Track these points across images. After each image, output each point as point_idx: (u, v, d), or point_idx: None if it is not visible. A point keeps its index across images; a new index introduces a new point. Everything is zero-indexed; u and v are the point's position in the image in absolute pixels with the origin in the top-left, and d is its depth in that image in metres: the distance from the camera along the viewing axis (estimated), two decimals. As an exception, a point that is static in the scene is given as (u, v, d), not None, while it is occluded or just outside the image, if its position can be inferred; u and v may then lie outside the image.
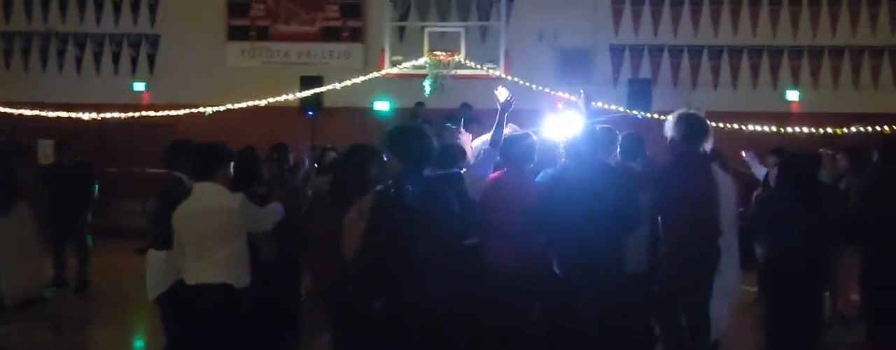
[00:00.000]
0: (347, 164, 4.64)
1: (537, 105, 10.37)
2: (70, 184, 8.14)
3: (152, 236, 4.91)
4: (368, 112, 13.47)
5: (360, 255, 3.83)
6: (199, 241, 4.26)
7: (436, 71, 11.04)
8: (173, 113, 12.72)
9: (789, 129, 12.27)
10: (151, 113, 12.87)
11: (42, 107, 12.59)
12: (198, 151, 4.55)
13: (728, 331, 6.07)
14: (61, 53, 14.97)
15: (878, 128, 11.67)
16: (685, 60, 14.33)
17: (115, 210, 13.85)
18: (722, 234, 5.05)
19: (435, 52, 11.11)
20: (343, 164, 5.04)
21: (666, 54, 14.35)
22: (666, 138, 5.10)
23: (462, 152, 5.16)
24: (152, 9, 14.87)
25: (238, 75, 14.27)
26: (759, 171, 7.57)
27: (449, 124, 6.29)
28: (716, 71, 14.31)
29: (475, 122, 7.20)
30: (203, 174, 4.37)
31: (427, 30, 12.10)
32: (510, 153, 4.82)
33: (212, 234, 4.23)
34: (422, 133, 3.97)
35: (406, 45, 13.42)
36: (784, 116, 13.70)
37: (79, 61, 14.95)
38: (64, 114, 12.40)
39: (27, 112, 12.31)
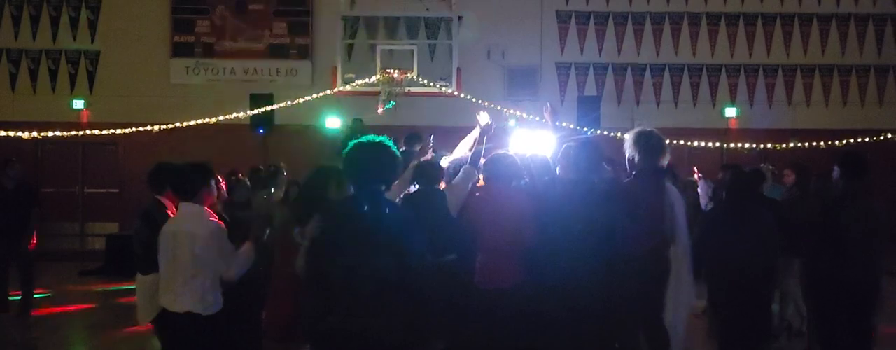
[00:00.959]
0: (308, 185, 4.59)
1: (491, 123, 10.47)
2: (12, 206, 7.83)
3: (139, 260, 4.75)
4: (319, 130, 13.41)
5: (306, 277, 3.75)
6: (171, 264, 4.17)
7: (389, 89, 11.08)
8: (118, 131, 12.41)
9: (730, 145, 12.69)
10: (96, 131, 12.49)
11: (-25, 125, 12.14)
12: (180, 171, 4.45)
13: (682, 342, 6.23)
14: (-5, 70, 14.49)
15: (813, 143, 12.15)
16: (629, 78, 14.70)
17: (53, 233, 13.40)
18: (670, 246, 5.16)
19: (387, 70, 11.14)
20: (304, 185, 5.01)
21: (610, 72, 14.70)
22: (624, 155, 5.23)
23: (440, 170, 5.19)
24: (92, 24, 14.52)
25: (183, 92, 14.05)
26: (705, 190, 7.77)
27: (410, 143, 6.32)
28: (658, 88, 14.72)
29: (418, 141, 7.17)
30: (186, 194, 4.29)
31: (379, 48, 12.12)
32: (494, 170, 4.85)
33: (184, 258, 4.13)
34: (379, 148, 3.59)
35: (355, 63, 13.44)
36: (723, 132, 14.20)
37: (13, 78, 14.48)
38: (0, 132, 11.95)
39: (-41, 131, 11.84)
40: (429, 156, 5.83)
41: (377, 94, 11.29)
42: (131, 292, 8.94)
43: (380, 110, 11.20)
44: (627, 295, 4.86)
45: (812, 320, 5.92)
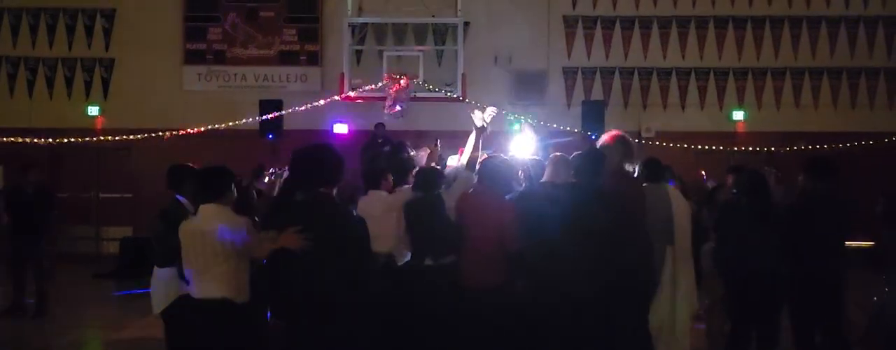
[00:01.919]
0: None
1: (494, 127, 10.58)
2: (31, 210, 8.08)
3: (156, 254, 5.05)
4: (328, 135, 13.58)
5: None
6: (201, 258, 4.35)
7: (396, 94, 11.23)
8: (131, 137, 12.65)
9: (736, 148, 12.72)
10: (111, 137, 12.73)
11: (-7, 132, 12.41)
12: (202, 175, 4.64)
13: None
14: (13, 78, 14.78)
15: (820, 146, 12.17)
16: (635, 82, 14.77)
17: (68, 236, 13.65)
18: (651, 253, 5.24)
19: (394, 75, 11.30)
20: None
21: (617, 76, 14.77)
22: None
23: (439, 175, 5.34)
24: (107, 33, 14.79)
25: (195, 99, 14.28)
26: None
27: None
28: (665, 92, 14.77)
29: (389, 142, 7.29)
30: (208, 197, 4.45)
31: (385, 54, 12.28)
32: (487, 175, 4.98)
33: (213, 252, 4.31)
34: (323, 150, 3.85)
35: (363, 68, 13.58)
36: (731, 136, 14.24)
37: (31, 85, 14.77)
38: (18, 139, 12.21)
39: (-22, 138, 12.10)
40: (435, 159, 5.97)
41: (384, 99, 11.43)
42: (144, 295, 9.22)
43: (386, 114, 11.34)
44: (620, 297, 4.96)
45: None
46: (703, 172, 8.10)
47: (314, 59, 14.56)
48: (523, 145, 6.38)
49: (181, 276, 4.59)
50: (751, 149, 12.64)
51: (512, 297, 4.65)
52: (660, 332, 5.53)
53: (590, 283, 4.58)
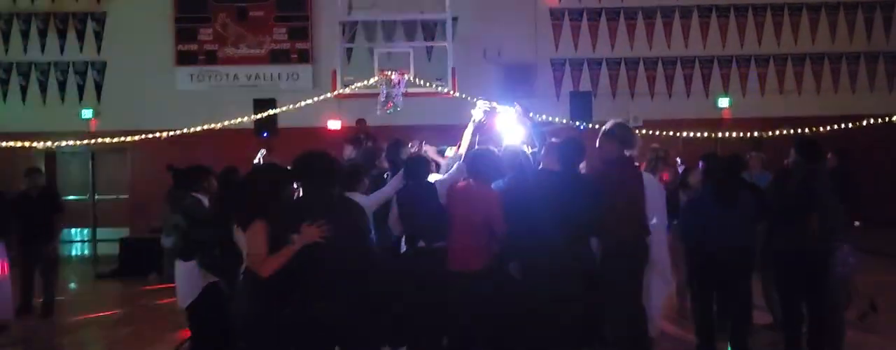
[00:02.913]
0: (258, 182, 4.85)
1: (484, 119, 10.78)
2: (36, 213, 8.25)
3: (180, 249, 5.37)
4: (321, 132, 13.75)
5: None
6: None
7: (388, 90, 11.42)
8: (126, 139, 12.78)
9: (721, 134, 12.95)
10: (107, 139, 12.84)
11: (-13, 136, 12.52)
12: (343, 169, 5.02)
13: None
14: (5, 83, 14.86)
15: (804, 130, 12.43)
16: (622, 72, 15.00)
17: (66, 239, 13.79)
18: (649, 232, 5.46)
19: (385, 71, 11.49)
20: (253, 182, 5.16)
21: (604, 67, 15.00)
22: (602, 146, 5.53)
23: (426, 163, 5.53)
24: (98, 36, 14.89)
25: (188, 99, 14.40)
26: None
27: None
28: (651, 81, 15.01)
29: (370, 139, 7.35)
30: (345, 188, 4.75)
31: (376, 51, 12.46)
32: (475, 167, 5.21)
33: None
34: (320, 156, 4.21)
35: (354, 66, 13.78)
36: (716, 122, 14.49)
37: (24, 90, 14.87)
38: (15, 143, 12.34)
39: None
40: (423, 151, 6.15)
41: (376, 95, 11.62)
42: (147, 294, 9.39)
43: (379, 112, 11.53)
44: (609, 279, 5.18)
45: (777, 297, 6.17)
46: (678, 159, 8.51)
47: (305, 58, 14.72)
48: (512, 130, 6.41)
49: (203, 268, 4.80)
50: (737, 135, 12.87)
51: (496, 278, 4.95)
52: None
53: (567, 267, 4.82)
